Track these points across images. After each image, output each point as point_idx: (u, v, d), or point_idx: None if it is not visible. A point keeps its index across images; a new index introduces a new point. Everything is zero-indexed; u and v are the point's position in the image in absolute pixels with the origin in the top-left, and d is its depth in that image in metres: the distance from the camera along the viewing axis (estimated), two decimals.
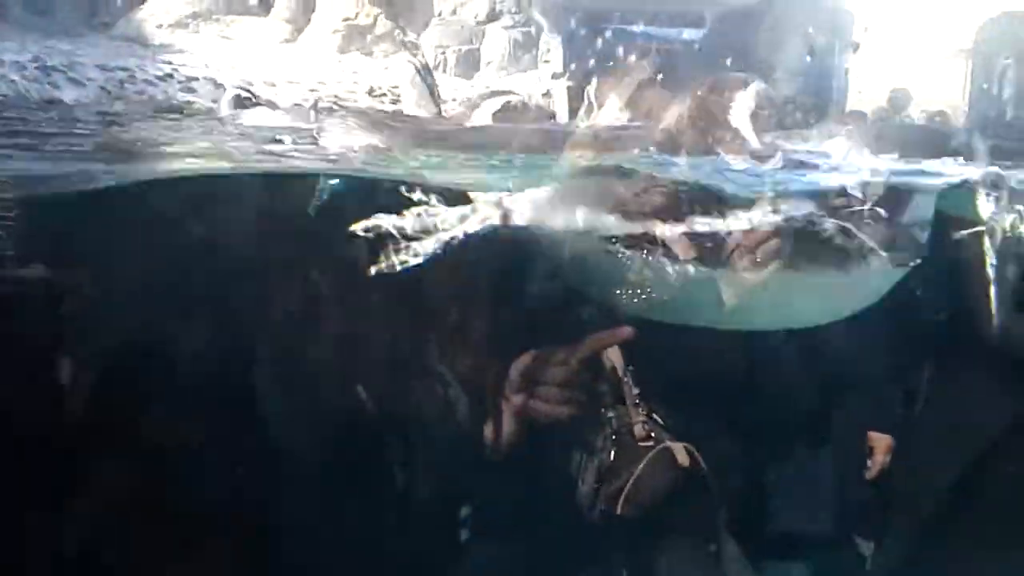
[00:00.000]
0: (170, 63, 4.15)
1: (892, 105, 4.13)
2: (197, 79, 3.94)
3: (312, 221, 1.61)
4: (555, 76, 5.06)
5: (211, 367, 1.46)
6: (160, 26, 4.62)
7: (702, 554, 2.11)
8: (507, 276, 1.81)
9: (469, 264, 1.63)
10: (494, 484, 1.69)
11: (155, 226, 1.52)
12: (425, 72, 3.90)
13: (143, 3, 4.76)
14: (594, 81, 2.35)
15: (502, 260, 1.74)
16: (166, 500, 1.41)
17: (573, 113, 2.44)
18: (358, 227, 1.58)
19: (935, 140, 2.07)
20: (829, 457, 2.68)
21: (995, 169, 2.04)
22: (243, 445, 1.43)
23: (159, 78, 3.99)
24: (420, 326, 1.66)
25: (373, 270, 1.57)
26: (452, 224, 1.67)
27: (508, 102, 2.37)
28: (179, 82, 3.94)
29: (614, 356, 2.01)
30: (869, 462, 2.87)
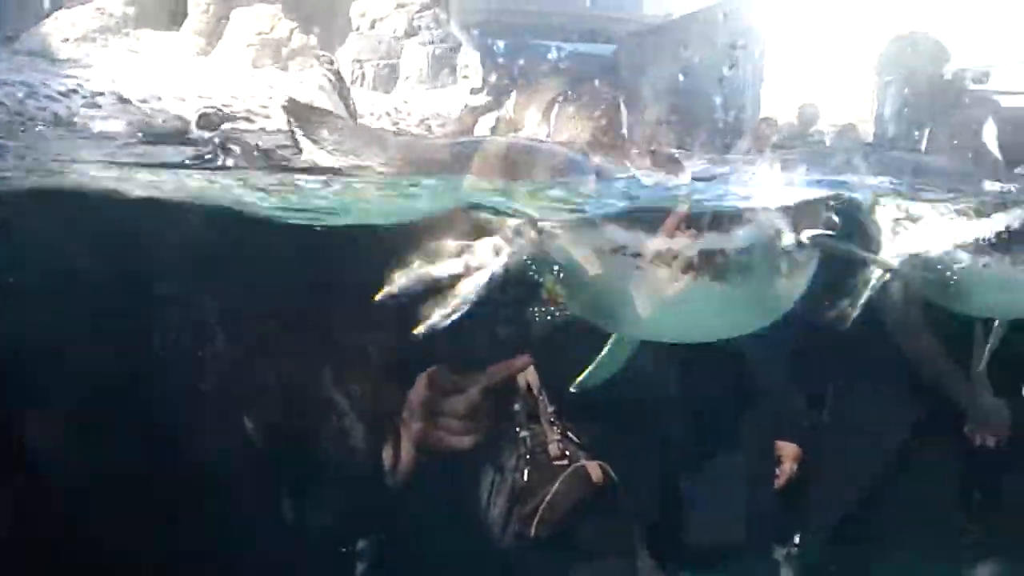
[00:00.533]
0: (75, 78, 3.99)
1: (800, 120, 4.21)
2: (103, 94, 3.80)
3: (206, 247, 1.51)
4: (474, 91, 5.03)
5: (92, 396, 1.37)
6: (66, 40, 4.45)
7: (618, 570, 2.09)
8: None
9: (364, 283, 1.55)
10: (395, 513, 1.62)
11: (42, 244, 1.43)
12: (339, 85, 3.83)
13: (49, 16, 4.59)
14: (512, 96, 2.31)
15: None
16: (43, 535, 1.32)
17: (493, 129, 2.38)
18: (391, 289, 1.49)
19: (818, 159, 2.09)
20: (741, 467, 2.70)
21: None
22: (128, 480, 1.35)
23: (62, 93, 3.83)
24: (312, 351, 1.57)
25: (420, 329, 1.49)
26: (486, 259, 1.60)
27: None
28: (83, 97, 3.80)
29: (529, 374, 1.97)
30: (778, 470, 2.90)
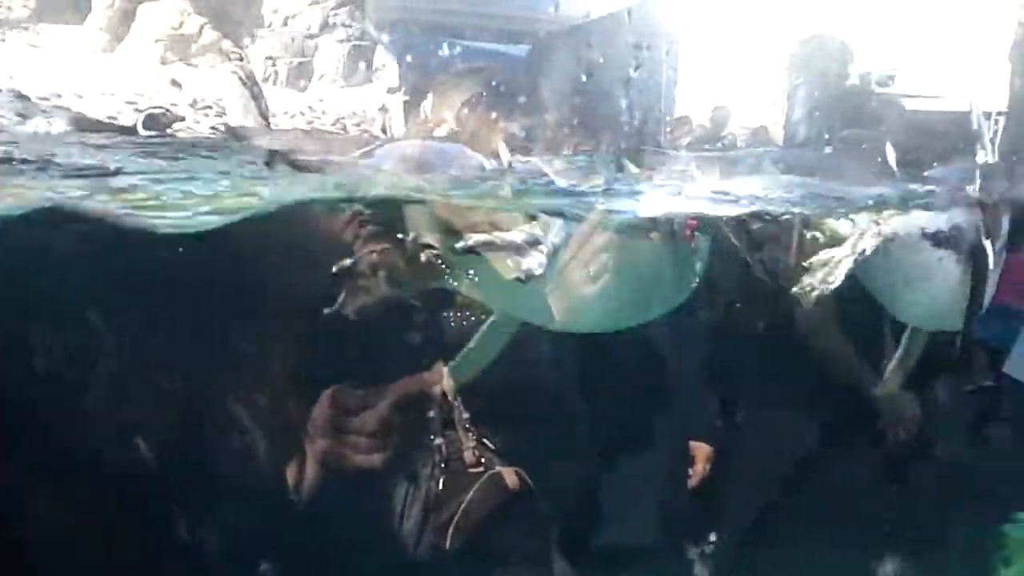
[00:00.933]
0: None
1: (713, 122, 4.24)
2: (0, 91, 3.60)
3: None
4: (391, 90, 4.94)
5: None
6: None
7: None
8: (310, 298, 1.66)
9: (263, 287, 1.48)
10: (302, 531, 1.55)
11: None
12: (251, 83, 3.71)
13: None
14: (430, 97, 2.27)
15: (300, 279, 1.60)
16: None
17: (410, 128, 2.35)
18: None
19: (727, 166, 2.12)
20: (655, 467, 2.70)
21: None
22: (15, 499, 1.25)
23: None
24: (210, 365, 1.48)
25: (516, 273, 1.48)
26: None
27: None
28: None
29: (443, 380, 1.92)
30: (691, 470, 2.91)
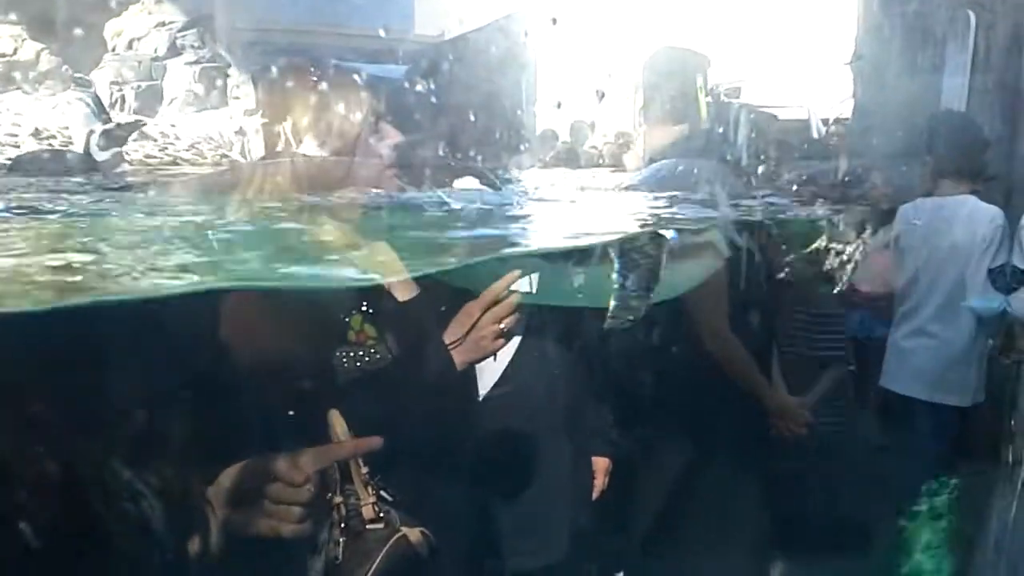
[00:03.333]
0: None
1: (573, 136, 4.10)
2: None
3: None
4: (248, 113, 4.56)
5: None
6: None
7: None
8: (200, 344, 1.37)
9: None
10: None
11: None
12: (99, 110, 3.29)
13: None
14: (289, 118, 2.03)
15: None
16: None
17: (271, 151, 2.13)
18: None
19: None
20: (559, 489, 2.50)
21: None
22: None
23: None
24: (96, 425, 1.16)
25: None
26: None
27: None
28: None
29: (338, 427, 1.64)
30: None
